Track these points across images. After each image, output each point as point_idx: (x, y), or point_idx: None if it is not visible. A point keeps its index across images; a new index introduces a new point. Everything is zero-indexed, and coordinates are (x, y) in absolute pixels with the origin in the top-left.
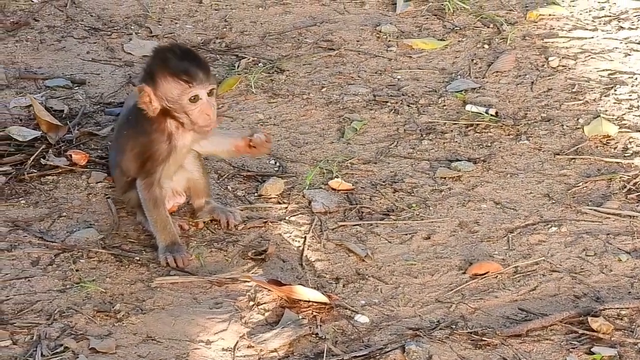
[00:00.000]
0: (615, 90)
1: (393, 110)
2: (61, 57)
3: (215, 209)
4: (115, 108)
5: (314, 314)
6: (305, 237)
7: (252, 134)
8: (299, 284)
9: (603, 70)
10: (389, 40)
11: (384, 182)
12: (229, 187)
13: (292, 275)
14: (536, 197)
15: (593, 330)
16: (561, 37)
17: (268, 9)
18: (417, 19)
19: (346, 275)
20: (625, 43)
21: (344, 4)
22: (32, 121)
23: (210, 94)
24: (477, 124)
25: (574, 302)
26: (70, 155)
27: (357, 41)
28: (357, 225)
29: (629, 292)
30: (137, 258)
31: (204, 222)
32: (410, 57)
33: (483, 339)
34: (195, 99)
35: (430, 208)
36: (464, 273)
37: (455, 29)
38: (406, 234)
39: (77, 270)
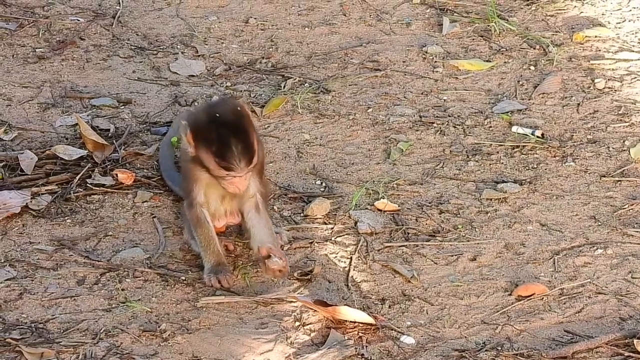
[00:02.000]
0: None
1: (439, 131)
2: (107, 76)
3: None
4: (161, 127)
5: (360, 334)
6: (351, 258)
7: (271, 251)
8: (345, 305)
9: None
10: (435, 61)
11: (430, 203)
12: (275, 207)
13: (338, 295)
14: (582, 219)
15: (638, 353)
16: (607, 58)
17: (314, 29)
18: (463, 40)
19: (392, 296)
20: None
21: (390, 25)
22: (78, 140)
23: (247, 173)
24: (523, 146)
25: (619, 325)
26: (116, 175)
27: (404, 62)
28: (403, 246)
29: None
30: (183, 278)
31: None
32: (457, 78)
33: None
34: (229, 175)
35: (476, 229)
36: (510, 295)
37: (502, 50)
38: (452, 255)
39: (122, 290)
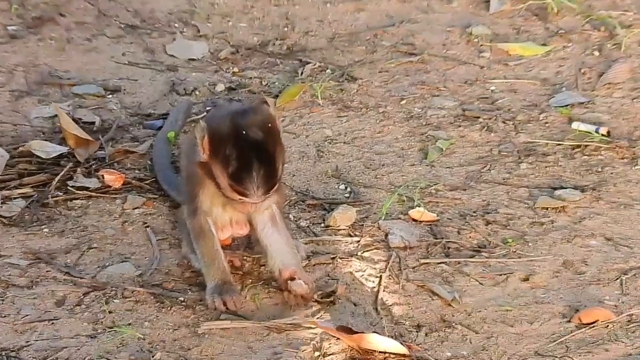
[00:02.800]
0: None
1: (485, 128)
2: (92, 59)
3: None
4: (156, 120)
5: None
6: (380, 277)
7: (295, 274)
8: (374, 332)
9: None
10: (481, 45)
11: (474, 212)
12: (291, 216)
13: (365, 321)
14: None
15: None
16: None
17: (337, 6)
18: (515, 19)
19: (429, 322)
20: None
21: (427, 1)
22: (57, 135)
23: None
24: (586, 145)
25: None
26: (102, 176)
27: (443, 45)
28: (443, 263)
29: None
30: (182, 298)
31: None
32: (506, 64)
33: None
34: (241, 200)
35: (530, 244)
36: (569, 321)
37: (560, 32)
38: (500, 275)
39: (110, 312)
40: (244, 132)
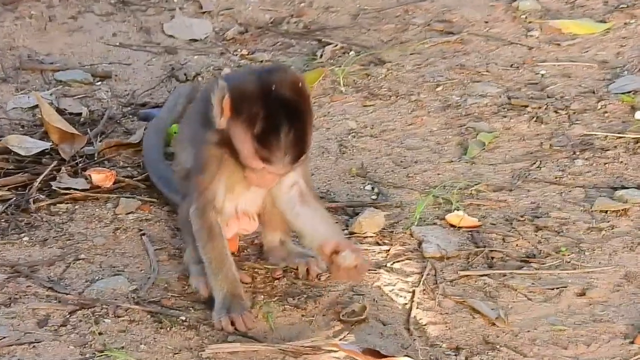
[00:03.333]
0: None
1: (535, 118)
2: (77, 40)
3: (292, 254)
4: (152, 110)
5: None
6: (413, 291)
7: (340, 245)
8: (406, 356)
9: None
10: (529, 22)
11: (522, 216)
12: None
13: (396, 343)
14: None
15: None
16: None
17: None
18: None
19: (470, 343)
20: None
21: None
22: (39, 128)
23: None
24: None
25: None
26: (90, 175)
27: (485, 22)
28: (485, 275)
29: None
30: (183, 318)
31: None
32: (559, 44)
33: None
34: (262, 172)
35: (586, 253)
36: (632, 343)
37: (621, 6)
38: (552, 289)
39: (100, 334)
40: (273, 89)
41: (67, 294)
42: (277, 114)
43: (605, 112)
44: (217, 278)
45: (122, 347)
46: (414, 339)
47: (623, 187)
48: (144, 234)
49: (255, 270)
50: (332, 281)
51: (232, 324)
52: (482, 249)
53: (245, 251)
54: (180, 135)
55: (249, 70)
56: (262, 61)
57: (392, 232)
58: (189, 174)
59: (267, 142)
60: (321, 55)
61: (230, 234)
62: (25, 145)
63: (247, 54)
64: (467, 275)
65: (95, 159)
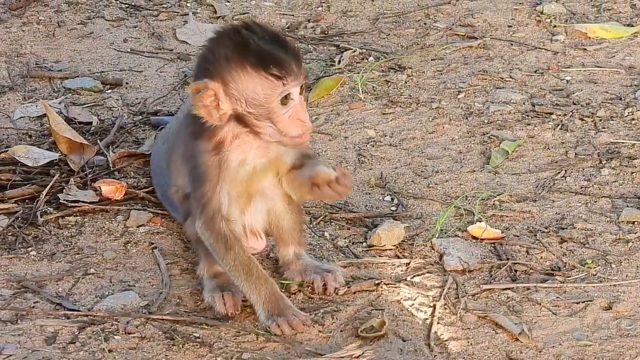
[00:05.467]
0: None
1: (560, 126)
2: (87, 46)
3: (308, 268)
4: (164, 117)
5: None
6: (434, 306)
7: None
8: None
9: None
10: (554, 26)
11: (546, 228)
12: (326, 234)
13: (416, 359)
14: None
15: None
16: None
17: None
18: None
19: None
20: None
21: None
22: (47, 138)
23: (301, 91)
24: None
25: None
26: (100, 187)
27: (509, 26)
28: (509, 289)
29: None
30: (196, 334)
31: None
32: (585, 49)
33: None
34: (286, 100)
35: (613, 265)
36: None
37: None
38: (578, 303)
39: (110, 351)
40: (243, 25)
41: (76, 310)
42: (256, 39)
43: (633, 119)
44: (250, 284)
45: None
46: (435, 356)
47: None
48: (155, 248)
49: None
50: (350, 296)
51: (288, 326)
52: (505, 261)
53: (262, 265)
54: (172, 159)
55: (204, 46)
56: None
57: (412, 244)
58: (188, 195)
59: (271, 61)
60: (339, 61)
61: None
62: (33, 155)
63: None
64: (489, 289)
65: (105, 169)
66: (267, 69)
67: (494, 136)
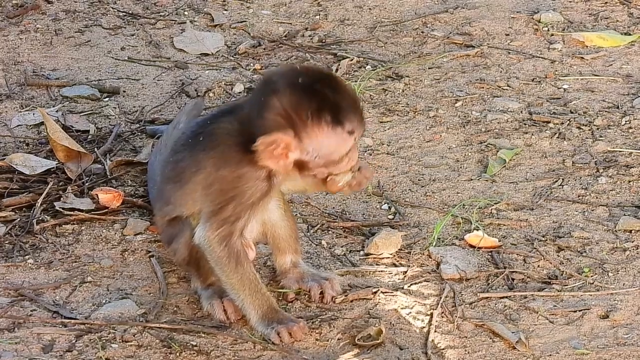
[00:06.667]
0: None
1: (557, 135)
2: (84, 55)
3: (305, 276)
4: (161, 126)
5: None
6: (431, 314)
7: None
8: None
9: None
10: (552, 34)
11: (543, 236)
12: (323, 242)
13: None
14: None
15: None
16: None
17: None
18: (592, 3)
19: None
20: None
21: None
22: (44, 146)
23: None
24: None
25: None
26: (97, 195)
27: (507, 35)
28: (506, 297)
29: None
30: (193, 342)
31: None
32: (582, 58)
33: None
34: (350, 151)
35: (610, 274)
36: None
37: None
38: (575, 311)
39: (107, 359)
40: (299, 82)
41: (73, 318)
42: (325, 93)
43: (630, 127)
44: (253, 298)
45: None
46: None
47: None
48: (152, 256)
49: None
50: (347, 304)
51: (288, 334)
52: (503, 270)
53: (257, 273)
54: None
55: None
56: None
57: (409, 252)
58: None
59: (344, 117)
60: (337, 70)
61: None
62: (30, 163)
63: (260, 69)
64: (486, 297)
65: (103, 177)
66: (344, 126)
67: (491, 144)
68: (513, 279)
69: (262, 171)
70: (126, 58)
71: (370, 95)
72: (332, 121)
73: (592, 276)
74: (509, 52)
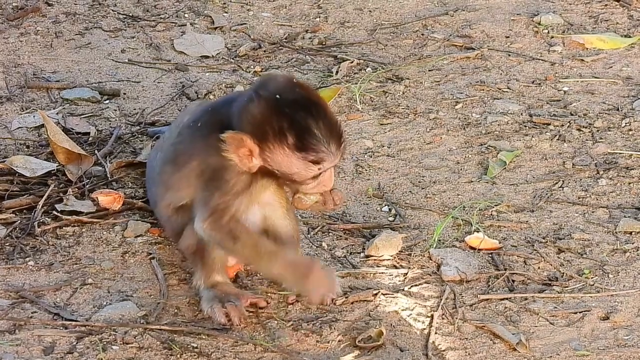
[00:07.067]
0: None
1: (557, 137)
2: (84, 57)
3: None
4: (161, 128)
5: None
6: (432, 316)
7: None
8: None
9: None
10: (552, 37)
11: (543, 238)
12: (324, 244)
13: None
14: None
15: None
16: None
17: None
18: (592, 6)
19: None
20: None
21: None
22: (45, 149)
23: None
24: None
25: None
26: (97, 198)
27: (507, 37)
28: (506, 299)
29: None
30: (194, 344)
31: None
32: (582, 60)
33: None
34: (318, 177)
35: (610, 275)
36: None
37: None
38: (575, 313)
39: None
40: (279, 97)
41: (73, 320)
42: (298, 116)
43: (630, 129)
44: (265, 261)
45: None
46: None
47: None
48: (153, 258)
49: (268, 295)
50: (348, 305)
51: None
52: (503, 271)
53: (257, 275)
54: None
55: (240, 98)
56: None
57: (409, 254)
58: (181, 208)
59: (308, 144)
60: (337, 72)
61: (233, 262)
62: (31, 166)
63: (260, 71)
64: (487, 299)
65: (103, 180)
66: (307, 154)
67: (492, 147)
68: (513, 281)
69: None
70: (126, 60)
71: (371, 97)
72: (294, 146)
73: (592, 278)
74: (509, 55)
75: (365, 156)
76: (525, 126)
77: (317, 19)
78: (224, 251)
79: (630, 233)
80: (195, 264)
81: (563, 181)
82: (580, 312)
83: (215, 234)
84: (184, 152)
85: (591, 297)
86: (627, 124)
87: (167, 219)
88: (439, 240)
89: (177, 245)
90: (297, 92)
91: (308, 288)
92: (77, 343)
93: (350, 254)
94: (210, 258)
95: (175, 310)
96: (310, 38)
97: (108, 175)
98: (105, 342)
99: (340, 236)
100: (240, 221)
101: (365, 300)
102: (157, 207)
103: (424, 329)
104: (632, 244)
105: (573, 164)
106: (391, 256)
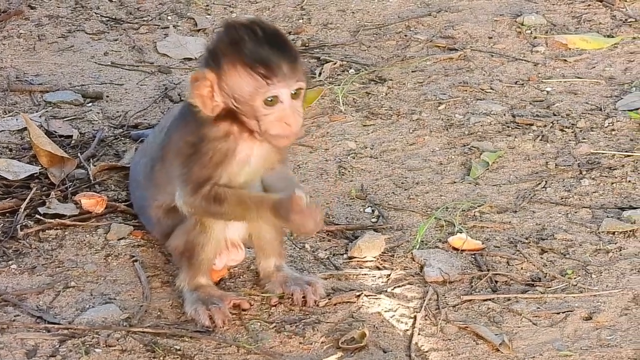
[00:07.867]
0: None
1: (540, 137)
2: (67, 60)
3: (288, 280)
4: (145, 130)
5: None
6: (415, 317)
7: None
8: None
9: None
10: (535, 37)
11: (526, 239)
12: (306, 245)
13: None
14: None
15: None
16: None
17: None
18: (575, 6)
19: None
20: None
21: None
22: (27, 152)
23: (295, 95)
24: None
25: None
26: (80, 201)
27: (489, 38)
28: (489, 300)
29: None
30: (177, 347)
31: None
32: (565, 60)
33: None
34: (273, 102)
35: (593, 276)
36: None
37: (629, 21)
38: (558, 313)
39: None
40: (247, 22)
41: (56, 323)
42: (252, 37)
43: (613, 130)
44: (252, 213)
45: None
46: None
47: (631, 208)
48: (136, 261)
49: (252, 297)
50: (331, 307)
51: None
52: (486, 272)
53: (241, 277)
54: (158, 168)
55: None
56: None
57: (392, 256)
58: (172, 209)
59: (259, 60)
60: (320, 74)
61: (221, 265)
62: (13, 169)
63: None
64: (470, 300)
65: (86, 182)
66: (254, 67)
67: (475, 147)
68: (496, 282)
69: (219, 131)
70: (109, 63)
71: (354, 98)
72: (243, 61)
73: (575, 278)
74: (492, 55)
75: (348, 157)
76: (508, 127)
77: (300, 21)
78: (214, 217)
79: (613, 233)
80: (181, 264)
81: (546, 181)
82: (563, 313)
83: (200, 203)
84: (166, 146)
85: (574, 297)
86: (610, 124)
87: (157, 221)
88: (422, 241)
89: (164, 245)
90: (251, 20)
91: (296, 222)
92: (59, 346)
93: (333, 255)
94: (197, 260)
95: (158, 313)
96: (293, 40)
97: (91, 178)
98: (88, 345)
99: (323, 238)
100: (221, 185)
101: (348, 302)
102: (141, 210)
103: (407, 330)
104: (615, 244)
105: (556, 164)
106: (374, 257)
